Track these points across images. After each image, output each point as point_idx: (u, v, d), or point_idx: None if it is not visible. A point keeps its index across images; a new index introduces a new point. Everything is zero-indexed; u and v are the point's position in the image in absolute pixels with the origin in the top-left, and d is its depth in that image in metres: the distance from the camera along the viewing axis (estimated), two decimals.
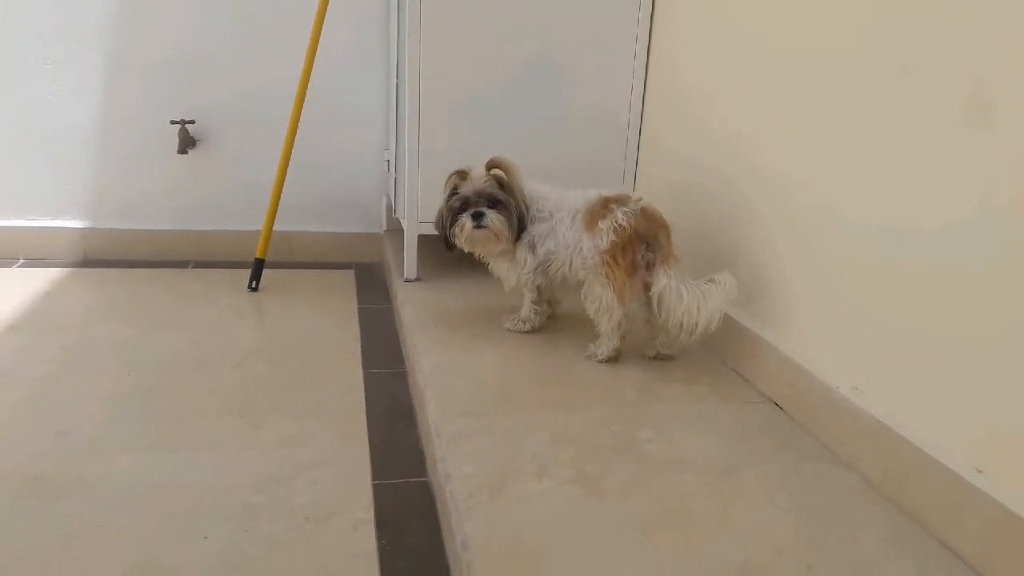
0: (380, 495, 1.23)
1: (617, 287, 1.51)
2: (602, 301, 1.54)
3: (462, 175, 1.63)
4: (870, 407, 1.20)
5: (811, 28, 1.37)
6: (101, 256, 2.39)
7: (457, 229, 1.62)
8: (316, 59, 2.12)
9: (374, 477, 1.28)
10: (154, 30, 2.27)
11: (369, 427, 1.45)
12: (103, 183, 2.36)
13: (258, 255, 2.18)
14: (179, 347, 1.75)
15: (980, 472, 1.00)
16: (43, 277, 2.19)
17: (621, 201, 1.54)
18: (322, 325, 1.97)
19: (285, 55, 2.28)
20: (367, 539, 1.12)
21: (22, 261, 2.33)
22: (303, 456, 1.33)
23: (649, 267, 1.51)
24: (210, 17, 2.28)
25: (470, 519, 1.03)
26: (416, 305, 1.88)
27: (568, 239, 1.59)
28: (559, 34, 1.97)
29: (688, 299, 1.45)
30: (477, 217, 1.59)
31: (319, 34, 2.10)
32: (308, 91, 2.14)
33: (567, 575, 0.94)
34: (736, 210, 1.61)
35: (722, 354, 1.63)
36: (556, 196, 1.65)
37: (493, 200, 1.60)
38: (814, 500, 1.13)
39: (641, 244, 1.50)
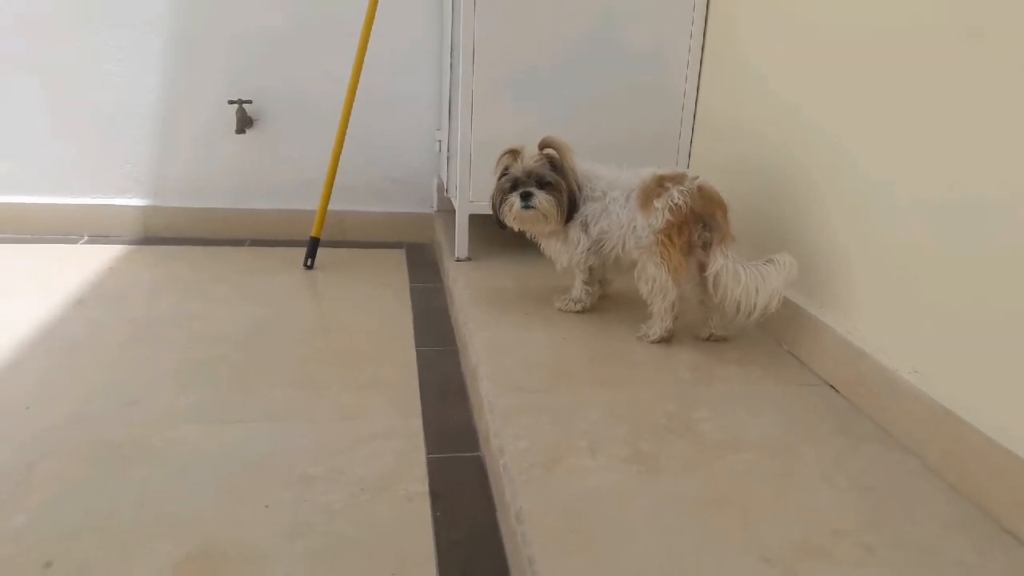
0: (434, 468, 1.25)
1: (672, 267, 1.50)
2: (656, 281, 1.53)
3: (514, 154, 1.63)
4: (930, 390, 1.18)
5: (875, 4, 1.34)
6: (161, 234, 2.46)
7: (506, 208, 1.62)
8: (370, 41, 2.14)
9: (428, 451, 1.30)
10: (213, 12, 2.31)
11: (423, 402, 1.47)
12: (163, 162, 2.43)
13: (313, 234, 2.22)
14: (239, 322, 1.80)
15: None
16: (107, 254, 2.26)
17: (676, 180, 1.52)
18: (375, 303, 1.99)
19: (340, 36, 2.30)
20: (422, 510, 1.14)
21: (86, 238, 2.40)
22: (359, 429, 1.35)
23: (705, 247, 1.50)
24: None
25: (524, 492, 1.05)
26: (467, 284, 1.90)
27: (622, 218, 1.59)
28: (614, 7, 1.95)
29: (746, 280, 1.44)
30: (526, 197, 1.60)
31: (373, 16, 2.12)
32: (362, 73, 2.16)
33: (623, 550, 0.95)
34: (794, 187, 1.58)
35: (778, 336, 1.61)
36: (610, 175, 1.64)
37: (543, 180, 1.60)
38: (872, 482, 1.12)
39: (697, 223, 1.49)
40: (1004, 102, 1.06)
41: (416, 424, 1.39)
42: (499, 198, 1.64)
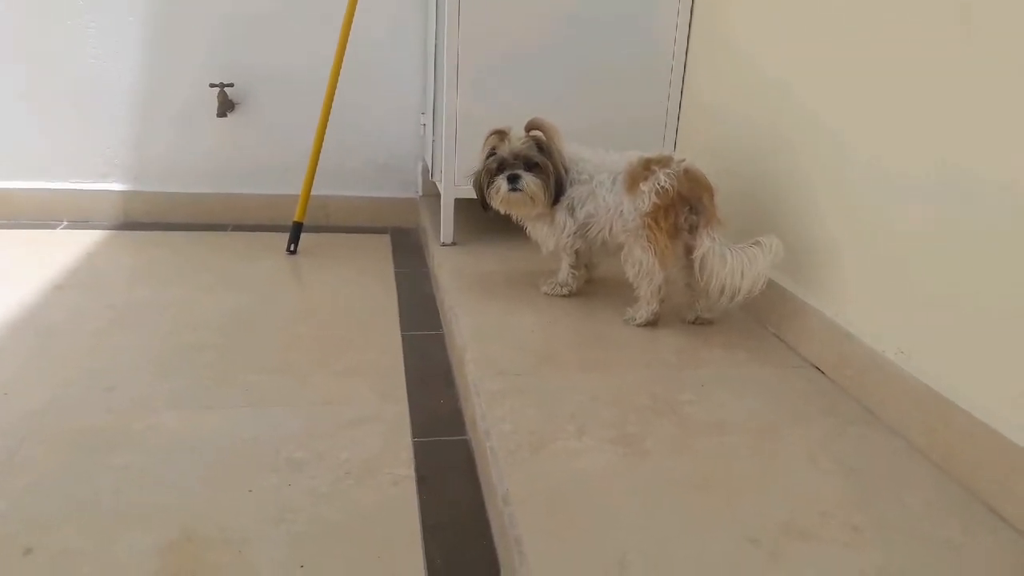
0: (420, 452, 1.24)
1: (658, 250, 1.49)
2: (642, 265, 1.52)
3: (501, 135, 1.61)
4: (916, 371, 1.18)
5: None
6: (142, 219, 2.43)
7: (493, 191, 1.61)
8: (353, 23, 2.11)
9: (414, 435, 1.29)
10: None
11: (408, 387, 1.46)
12: (144, 146, 2.39)
13: (296, 219, 2.20)
14: (221, 308, 1.78)
15: None
16: (86, 239, 2.23)
17: (663, 162, 1.51)
18: (360, 288, 1.98)
19: (323, 19, 2.28)
20: (408, 494, 1.13)
21: (65, 223, 2.37)
22: (344, 414, 1.34)
23: (692, 230, 1.49)
24: None
25: (511, 474, 1.04)
26: (453, 269, 1.89)
27: (608, 202, 1.58)
28: None
29: (732, 263, 1.43)
30: (513, 180, 1.58)
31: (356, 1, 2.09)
32: (345, 55, 2.13)
33: (609, 531, 0.94)
34: (780, 169, 1.58)
35: (763, 318, 1.61)
36: (596, 158, 1.63)
37: (530, 162, 1.59)
38: (858, 463, 1.12)
39: (684, 206, 1.48)
40: (993, 85, 1.06)
41: (402, 408, 1.38)
42: (485, 180, 1.62)
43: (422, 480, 1.17)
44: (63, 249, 2.12)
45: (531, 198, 1.59)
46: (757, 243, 1.44)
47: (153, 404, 1.34)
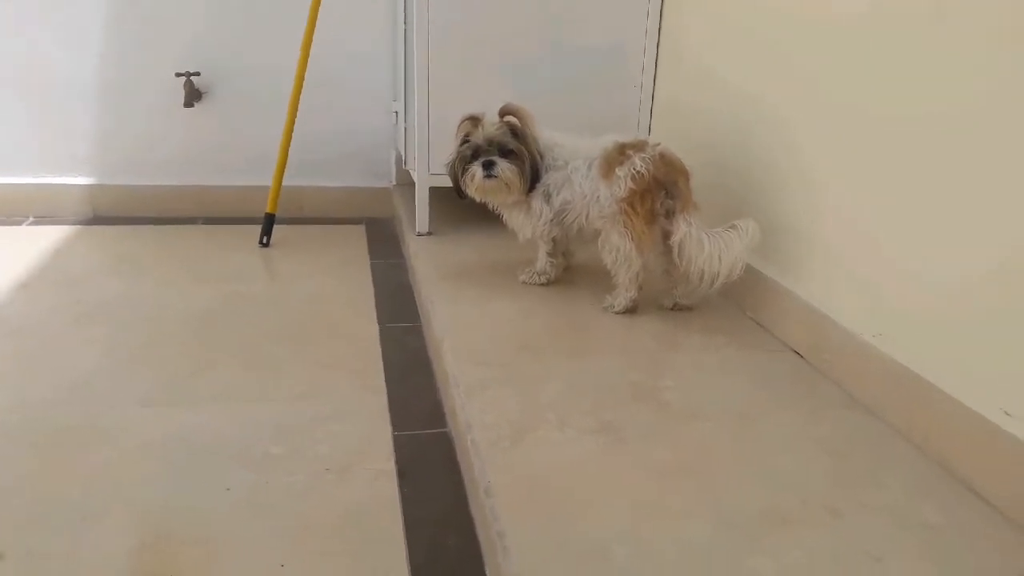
0: (400, 445, 1.23)
1: (635, 236, 1.48)
2: (620, 251, 1.52)
3: (474, 121, 1.59)
4: (893, 352, 1.19)
5: None
6: (110, 213, 2.37)
7: (468, 178, 1.59)
8: (320, 7, 2.07)
9: (393, 428, 1.28)
10: None
11: (386, 380, 1.44)
12: (110, 139, 2.33)
13: (268, 210, 2.16)
14: (193, 302, 1.74)
15: (1008, 415, 0.99)
16: (53, 235, 2.17)
17: (638, 147, 1.51)
18: (335, 280, 1.95)
19: (290, 4, 2.23)
20: (389, 488, 1.12)
21: (31, 219, 2.31)
22: (321, 408, 1.32)
23: (668, 215, 1.48)
24: None
25: (492, 466, 1.03)
26: (429, 259, 1.87)
27: (584, 188, 1.57)
28: None
29: (709, 247, 1.43)
30: (488, 166, 1.56)
31: None
32: (313, 42, 2.09)
33: (591, 521, 0.94)
34: (751, 161, 1.58)
35: (741, 303, 1.61)
36: (571, 144, 1.61)
37: (505, 149, 1.57)
38: (838, 446, 1.12)
39: (660, 191, 1.47)
40: (955, 81, 1.06)
41: (381, 401, 1.36)
42: (460, 167, 1.60)
43: (403, 474, 1.15)
44: (29, 246, 2.07)
45: (507, 185, 1.58)
46: (733, 227, 1.44)
47: (125, 401, 1.31)
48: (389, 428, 1.28)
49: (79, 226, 2.27)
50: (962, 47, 1.07)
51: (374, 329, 1.67)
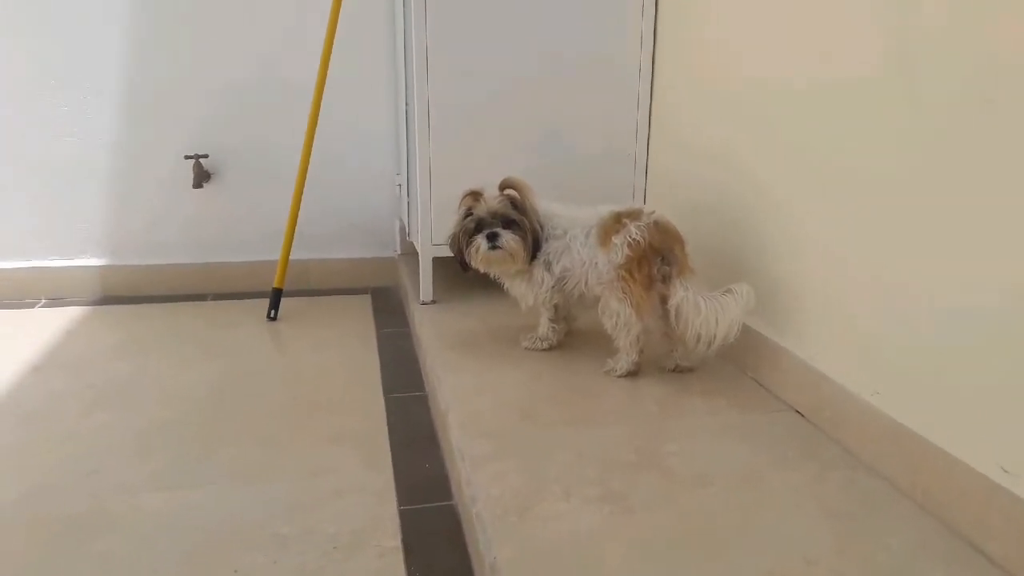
0: (407, 520, 1.24)
1: (634, 301, 1.51)
2: (619, 316, 1.54)
3: (475, 196, 1.64)
4: (892, 411, 1.20)
5: (800, 51, 1.38)
6: (121, 293, 2.42)
7: (472, 250, 1.63)
8: (325, 89, 2.15)
9: (400, 503, 1.29)
10: (164, 66, 2.31)
11: (393, 452, 1.46)
12: (121, 221, 2.40)
13: (276, 285, 2.21)
14: (202, 380, 1.77)
15: (1006, 472, 1.00)
16: (65, 316, 2.22)
17: (633, 215, 1.55)
18: (341, 351, 1.98)
19: (294, 86, 2.32)
20: (396, 566, 1.12)
21: (44, 302, 2.36)
22: (329, 484, 1.33)
23: (665, 280, 1.51)
24: (219, 50, 2.32)
25: (498, 541, 1.04)
26: (434, 328, 1.90)
27: (583, 256, 1.60)
28: (566, 51, 1.98)
29: (706, 311, 1.45)
30: (492, 238, 1.60)
31: (327, 64, 2.13)
32: (319, 120, 2.17)
33: None
34: (746, 226, 1.61)
35: (741, 364, 1.63)
36: (569, 213, 1.66)
37: (507, 220, 1.61)
38: (841, 507, 1.13)
39: (656, 257, 1.51)
40: (938, 144, 1.10)
41: (387, 475, 1.38)
42: (464, 240, 1.64)
43: (409, 550, 1.16)
44: (41, 329, 2.11)
45: (511, 255, 1.61)
46: (729, 291, 1.46)
47: (135, 486, 1.33)
48: (395, 503, 1.29)
49: (90, 307, 2.32)
50: (933, 109, 1.10)
51: (380, 400, 1.69)
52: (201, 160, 2.35)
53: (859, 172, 1.27)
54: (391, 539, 1.18)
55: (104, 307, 2.32)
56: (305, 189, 2.20)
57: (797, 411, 1.43)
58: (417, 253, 2.07)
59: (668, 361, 1.62)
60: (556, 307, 1.71)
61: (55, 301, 2.36)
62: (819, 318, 1.40)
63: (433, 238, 2.01)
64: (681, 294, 1.48)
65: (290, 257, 2.22)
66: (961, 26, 1.05)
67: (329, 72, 2.14)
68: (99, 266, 2.41)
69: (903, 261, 1.18)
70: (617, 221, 1.55)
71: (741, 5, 1.61)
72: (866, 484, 1.19)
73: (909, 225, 1.17)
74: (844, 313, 1.33)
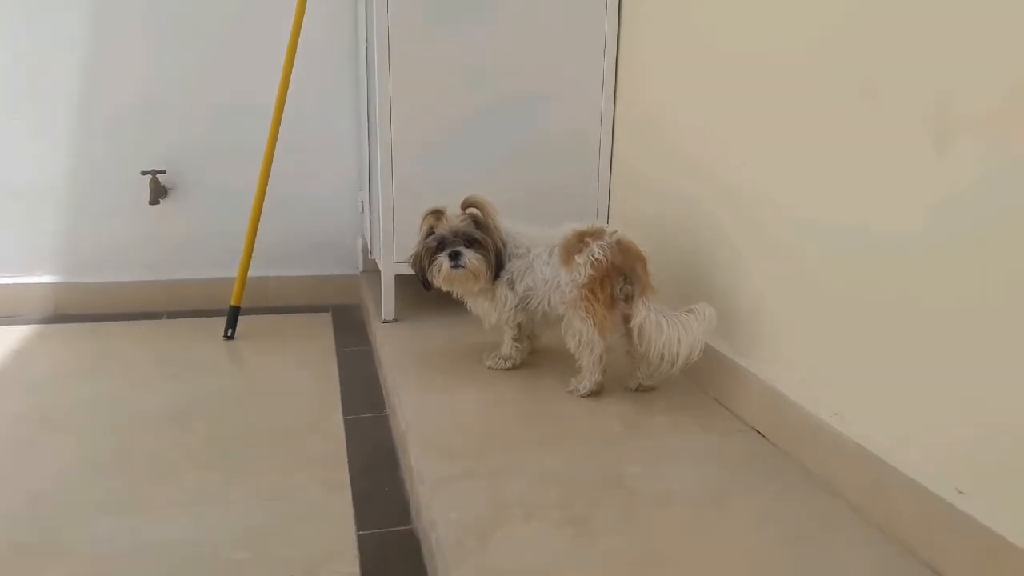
0: (365, 546, 1.22)
1: (597, 321, 1.51)
2: (582, 335, 1.54)
3: (437, 215, 1.63)
4: (852, 432, 1.21)
5: (775, 54, 1.40)
6: (73, 311, 2.36)
7: (435, 269, 1.62)
8: (287, 103, 2.13)
9: (358, 527, 1.26)
10: (119, 81, 2.27)
11: (351, 475, 1.43)
12: (74, 237, 2.34)
13: (233, 302, 2.16)
14: (154, 401, 1.72)
15: (961, 493, 1.01)
16: (13, 335, 2.15)
17: (596, 235, 1.55)
18: (300, 371, 1.95)
19: (254, 100, 2.29)
20: None
21: None
22: (285, 508, 1.30)
23: (628, 299, 1.51)
24: (175, 65, 2.28)
25: (457, 568, 1.02)
26: (395, 346, 1.87)
27: (546, 275, 1.60)
28: (527, 67, 1.98)
29: (668, 330, 1.46)
30: (455, 257, 1.59)
31: (288, 79, 2.11)
32: (279, 136, 2.14)
33: None
34: (710, 238, 1.62)
35: (703, 384, 1.63)
36: (531, 232, 1.65)
37: (470, 239, 1.60)
38: (801, 528, 1.13)
39: (618, 277, 1.51)
40: (904, 152, 1.12)
41: (345, 499, 1.35)
42: (426, 259, 1.63)
43: None
44: None
45: (474, 274, 1.60)
46: (691, 310, 1.47)
47: (87, 512, 1.28)
48: (354, 528, 1.26)
49: (41, 325, 2.25)
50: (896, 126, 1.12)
51: (340, 421, 1.66)
52: (158, 175, 2.31)
53: (837, 191, 1.29)
54: (349, 565, 1.16)
55: (55, 325, 2.26)
56: (265, 205, 2.16)
57: (758, 431, 1.44)
58: (379, 271, 2.05)
59: (631, 380, 1.62)
60: (519, 326, 1.70)
61: (6, 319, 2.29)
62: (780, 339, 1.41)
63: (395, 256, 1.99)
64: (643, 314, 1.48)
65: (249, 274, 2.18)
66: None
67: (290, 86, 2.12)
68: (52, 283, 2.35)
69: (865, 285, 1.20)
70: (580, 240, 1.55)
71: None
72: (827, 505, 1.20)
73: (877, 252, 1.18)
74: (804, 334, 1.35)
